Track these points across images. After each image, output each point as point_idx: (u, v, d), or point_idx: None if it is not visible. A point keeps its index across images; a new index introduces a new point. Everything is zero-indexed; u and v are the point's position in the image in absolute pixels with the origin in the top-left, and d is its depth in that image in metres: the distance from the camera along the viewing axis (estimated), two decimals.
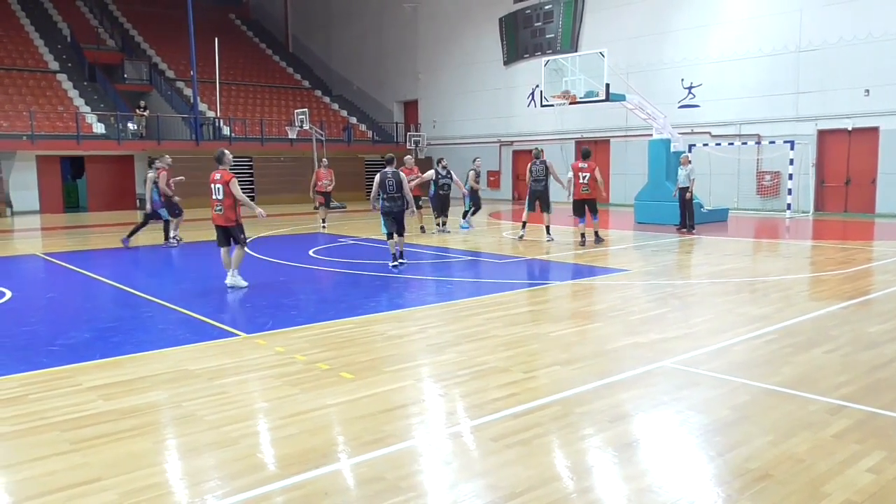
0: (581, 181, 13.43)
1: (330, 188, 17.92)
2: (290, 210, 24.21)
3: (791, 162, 19.46)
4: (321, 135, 27.03)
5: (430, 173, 15.88)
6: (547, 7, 27.21)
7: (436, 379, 5.42)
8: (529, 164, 14.15)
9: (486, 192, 30.21)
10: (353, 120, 34.59)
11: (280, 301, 8.55)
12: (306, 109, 26.66)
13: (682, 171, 15.61)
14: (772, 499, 3.38)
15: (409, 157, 16.65)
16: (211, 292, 9.06)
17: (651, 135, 18.42)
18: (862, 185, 19.73)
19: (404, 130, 33.14)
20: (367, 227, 17.54)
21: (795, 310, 7.60)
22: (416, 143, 30.28)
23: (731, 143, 21.14)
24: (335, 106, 35.81)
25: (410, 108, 34.68)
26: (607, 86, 16.83)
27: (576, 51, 23.93)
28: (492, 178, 30.32)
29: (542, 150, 14.63)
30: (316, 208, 18.66)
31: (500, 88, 29.52)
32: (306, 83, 37.57)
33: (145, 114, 28.17)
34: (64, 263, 12.02)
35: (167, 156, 14.97)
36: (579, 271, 10.83)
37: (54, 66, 29.50)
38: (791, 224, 17.78)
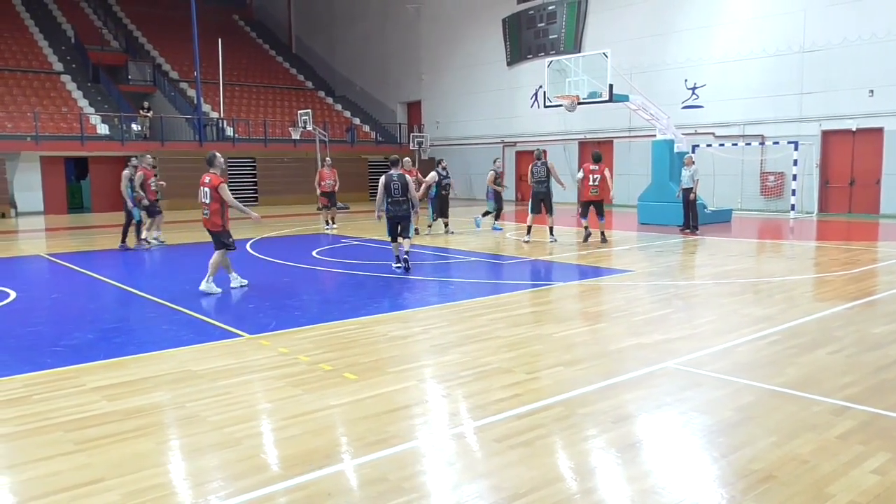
0: (591, 183, 13.79)
1: (334, 188, 17.56)
2: (294, 211, 24.26)
3: (795, 162, 19.42)
4: (324, 136, 27.05)
5: (433, 176, 15.85)
6: (550, 8, 27.20)
7: (439, 380, 5.42)
8: (531, 166, 14.18)
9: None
10: (357, 121, 34.61)
11: (283, 302, 8.56)
12: (309, 110, 26.67)
13: (685, 172, 15.61)
14: (776, 500, 3.37)
15: (407, 158, 16.62)
16: (214, 293, 9.05)
17: (654, 135, 18.41)
18: (866, 185, 19.67)
19: (407, 131, 33.14)
20: (370, 227, 17.53)
21: (799, 311, 7.59)
22: (420, 143, 30.27)
23: (735, 144, 21.10)
24: (338, 107, 35.84)
25: (414, 108, 34.69)
26: (611, 86, 16.82)
27: (579, 51, 23.92)
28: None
29: (543, 152, 14.66)
30: (319, 209, 18.57)
31: (503, 89, 29.51)
32: (309, 84, 37.61)
33: (149, 115, 28.23)
34: (68, 264, 12.04)
35: (148, 156, 14.74)
36: (583, 272, 10.82)
37: (58, 67, 29.58)
38: (795, 225, 17.74)
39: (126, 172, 13.79)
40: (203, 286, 8.86)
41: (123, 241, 13.95)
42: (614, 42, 23.28)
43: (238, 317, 7.81)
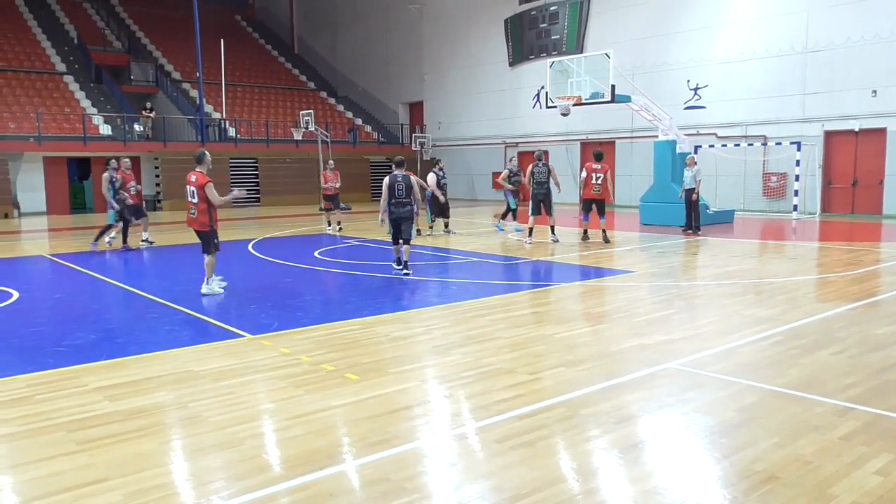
0: (594, 182, 13.86)
1: (336, 191, 17.27)
2: (296, 211, 24.27)
3: (798, 163, 19.39)
4: (326, 136, 27.07)
5: (433, 177, 15.72)
6: (552, 8, 27.19)
7: (441, 380, 5.42)
8: (531, 167, 14.16)
9: (490, 193, 30.34)
10: (359, 121, 34.63)
11: (285, 302, 8.56)
12: (311, 111, 26.67)
13: (688, 173, 15.60)
14: (778, 501, 3.37)
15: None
16: (217, 293, 9.05)
17: (657, 136, 18.40)
18: (869, 186, 19.64)
19: (409, 132, 33.15)
20: (372, 228, 17.52)
21: (802, 311, 7.57)
22: (422, 144, 30.26)
23: (738, 145, 21.08)
24: (340, 107, 35.86)
25: (416, 109, 34.70)
26: (613, 87, 16.80)
27: (581, 52, 23.90)
28: (497, 180, 30.29)
29: (544, 153, 14.65)
30: (321, 209, 18.50)
31: (505, 90, 29.51)
32: (311, 84, 37.64)
33: (151, 115, 28.27)
34: (70, 264, 12.06)
35: (126, 159, 14.61)
36: (585, 273, 10.81)
37: (61, 67, 29.62)
38: (798, 225, 17.72)
39: (106, 175, 13.62)
40: (204, 289, 8.85)
41: (96, 239, 13.70)
42: (617, 42, 23.26)
43: (240, 317, 7.82)
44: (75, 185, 27.33)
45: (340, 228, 17.29)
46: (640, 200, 19.03)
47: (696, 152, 19.02)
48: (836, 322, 7.10)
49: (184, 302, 8.40)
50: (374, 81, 36.29)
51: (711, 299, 8.43)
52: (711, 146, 21.15)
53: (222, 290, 8.94)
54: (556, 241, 14.03)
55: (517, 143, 29.21)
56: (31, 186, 24.38)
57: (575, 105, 17.42)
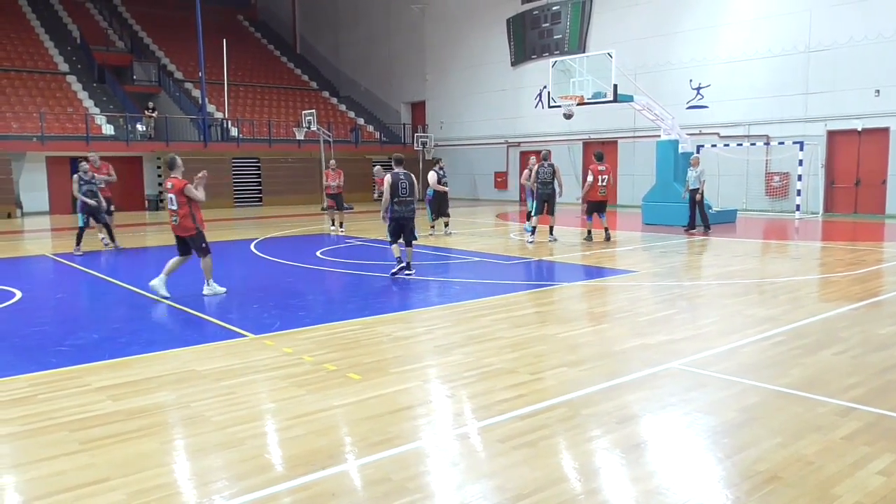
0: (601, 183, 13.99)
1: (339, 190, 17.09)
2: (298, 211, 24.28)
3: (800, 163, 19.37)
4: (329, 136, 27.09)
5: (433, 176, 15.69)
6: (555, 8, 27.18)
7: (443, 380, 5.42)
8: (536, 166, 14.15)
9: (492, 193, 30.36)
10: (361, 121, 34.65)
11: (287, 302, 8.57)
12: (314, 111, 26.69)
13: (692, 173, 15.53)
14: (781, 501, 3.36)
15: (378, 167, 16.44)
16: (219, 293, 9.05)
17: (659, 136, 18.38)
18: (872, 185, 19.61)
19: (412, 131, 33.16)
20: (374, 228, 17.53)
21: (804, 311, 7.56)
22: (424, 144, 30.28)
23: (740, 144, 21.06)
24: (343, 107, 35.88)
25: (418, 109, 34.71)
26: (615, 87, 16.80)
27: (583, 51, 23.90)
28: (499, 180, 30.32)
29: (549, 153, 14.62)
30: (323, 209, 18.45)
31: (507, 89, 29.51)
32: (314, 84, 37.67)
33: (154, 115, 28.30)
34: (73, 264, 12.08)
35: (93, 153, 14.48)
36: (587, 272, 10.80)
37: (64, 67, 29.67)
38: (800, 225, 17.69)
39: (75, 176, 13.45)
40: (206, 290, 8.82)
41: (78, 244, 13.47)
42: (619, 42, 23.27)
43: (242, 317, 7.82)
44: None
45: (342, 228, 17.26)
46: (643, 200, 19.02)
47: (698, 152, 19.00)
48: (838, 322, 7.09)
49: (186, 302, 8.41)
50: (377, 81, 36.31)
51: (714, 299, 8.41)
52: (714, 146, 21.14)
53: (224, 290, 8.94)
54: (554, 240, 14.04)
55: (519, 142, 29.21)
56: (33, 186, 24.44)
57: (578, 105, 17.42)
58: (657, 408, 4.70)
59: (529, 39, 28.33)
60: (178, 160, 8.75)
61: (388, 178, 10.08)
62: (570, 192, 18.73)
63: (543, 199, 14.03)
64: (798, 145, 19.30)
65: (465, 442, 4.21)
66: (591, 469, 3.81)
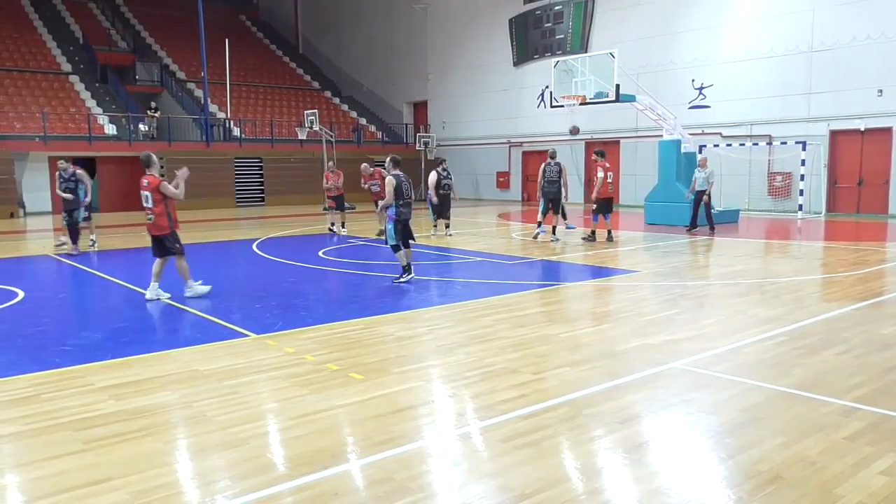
0: (609, 180, 14.18)
1: (340, 191, 16.98)
2: (300, 211, 24.29)
3: (803, 162, 19.34)
4: (331, 136, 27.10)
5: (433, 176, 15.65)
6: (557, 8, 27.17)
7: (445, 380, 5.42)
8: (543, 165, 14.14)
9: (494, 193, 30.35)
10: (363, 121, 34.65)
11: (289, 302, 8.57)
12: (316, 111, 26.70)
13: (699, 174, 15.43)
14: (783, 501, 3.36)
15: (365, 164, 16.43)
16: (220, 293, 9.04)
17: (661, 136, 18.36)
18: (875, 185, 19.57)
19: (414, 131, 33.17)
20: (376, 228, 17.50)
21: (807, 311, 7.55)
22: (426, 144, 30.29)
23: (743, 144, 21.03)
24: (345, 107, 35.89)
25: (420, 109, 34.71)
26: (617, 86, 16.79)
27: (586, 51, 23.88)
28: (501, 179, 30.31)
29: (556, 151, 14.62)
30: (325, 209, 18.44)
31: (509, 89, 29.49)
32: (316, 84, 37.68)
33: (156, 115, 28.33)
34: (76, 264, 12.09)
35: (62, 160, 14.38)
36: (589, 272, 10.80)
37: (66, 67, 29.72)
38: (803, 225, 17.67)
39: (57, 174, 13.38)
40: (188, 293, 8.64)
41: (75, 242, 13.38)
42: (621, 42, 23.24)
43: (244, 317, 7.82)
44: None
45: (343, 228, 17.25)
46: (645, 200, 19.01)
47: (700, 152, 18.98)
48: (841, 322, 7.08)
49: (188, 302, 8.42)
50: (379, 81, 36.31)
51: (716, 299, 8.41)
52: (716, 146, 21.11)
53: (208, 289, 8.77)
54: (557, 240, 14.05)
55: (521, 142, 29.20)
56: (36, 186, 24.45)
57: (580, 104, 17.41)
58: (659, 408, 4.70)
59: (532, 39, 28.31)
60: (154, 157, 8.58)
61: (390, 179, 9.92)
62: (573, 193, 18.67)
63: (550, 198, 14.03)
64: (801, 145, 19.27)
65: (468, 442, 4.21)
66: (594, 469, 3.81)
